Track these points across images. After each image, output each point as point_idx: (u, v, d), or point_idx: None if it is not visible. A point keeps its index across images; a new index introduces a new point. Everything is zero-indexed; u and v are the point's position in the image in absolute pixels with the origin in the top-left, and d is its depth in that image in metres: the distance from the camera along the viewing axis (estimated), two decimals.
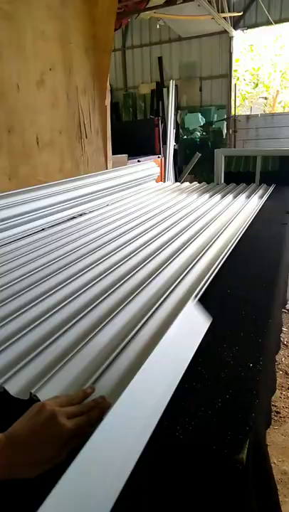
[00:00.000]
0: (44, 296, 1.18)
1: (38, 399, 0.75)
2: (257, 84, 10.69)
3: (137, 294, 1.19)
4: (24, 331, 0.98)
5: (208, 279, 1.31)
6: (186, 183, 3.30)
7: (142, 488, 0.64)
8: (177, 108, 8.56)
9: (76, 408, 0.68)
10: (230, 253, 1.60)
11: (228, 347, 0.97)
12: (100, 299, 1.15)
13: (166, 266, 1.41)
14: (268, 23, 7.78)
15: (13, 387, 0.79)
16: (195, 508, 0.72)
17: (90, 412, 0.68)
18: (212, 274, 1.35)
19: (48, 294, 1.19)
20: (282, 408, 2.09)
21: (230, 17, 7.80)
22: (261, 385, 0.84)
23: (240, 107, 9.67)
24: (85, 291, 1.22)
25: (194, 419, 0.74)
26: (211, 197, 2.66)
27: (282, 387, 2.25)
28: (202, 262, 1.46)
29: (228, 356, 0.94)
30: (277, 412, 2.06)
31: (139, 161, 4.86)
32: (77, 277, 1.33)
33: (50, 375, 0.81)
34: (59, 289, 1.23)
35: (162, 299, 1.15)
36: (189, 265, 1.41)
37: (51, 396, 0.71)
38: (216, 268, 1.40)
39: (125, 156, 4.65)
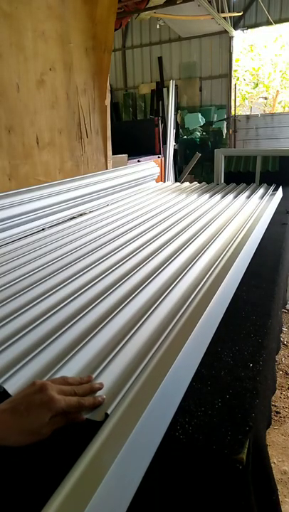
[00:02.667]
0: (44, 296, 1.18)
1: None
2: (257, 84, 10.70)
3: (137, 293, 1.19)
4: (24, 331, 0.98)
5: (208, 278, 1.31)
6: (186, 183, 3.30)
7: (142, 488, 0.64)
8: (177, 108, 8.56)
9: (68, 388, 0.71)
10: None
11: (228, 347, 0.98)
12: (100, 299, 1.15)
13: (167, 266, 1.41)
14: (268, 23, 7.79)
15: (13, 387, 0.79)
16: (195, 508, 0.72)
17: (83, 395, 0.71)
18: (212, 273, 1.35)
19: (48, 294, 1.19)
20: (282, 408, 2.09)
21: (230, 17, 7.81)
22: (261, 385, 0.84)
23: (240, 107, 9.68)
24: (85, 291, 1.22)
25: (194, 419, 0.74)
26: (211, 197, 2.66)
27: (282, 387, 2.25)
28: (202, 261, 1.46)
29: (228, 356, 0.94)
30: (277, 412, 2.06)
31: (139, 161, 4.86)
32: (77, 277, 1.33)
33: (50, 376, 0.81)
34: (59, 289, 1.23)
35: (161, 299, 1.15)
36: (189, 265, 1.41)
37: None
38: (215, 268, 1.40)
39: (125, 156, 4.65)
